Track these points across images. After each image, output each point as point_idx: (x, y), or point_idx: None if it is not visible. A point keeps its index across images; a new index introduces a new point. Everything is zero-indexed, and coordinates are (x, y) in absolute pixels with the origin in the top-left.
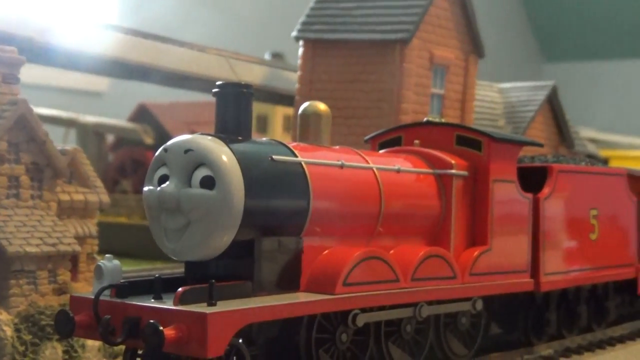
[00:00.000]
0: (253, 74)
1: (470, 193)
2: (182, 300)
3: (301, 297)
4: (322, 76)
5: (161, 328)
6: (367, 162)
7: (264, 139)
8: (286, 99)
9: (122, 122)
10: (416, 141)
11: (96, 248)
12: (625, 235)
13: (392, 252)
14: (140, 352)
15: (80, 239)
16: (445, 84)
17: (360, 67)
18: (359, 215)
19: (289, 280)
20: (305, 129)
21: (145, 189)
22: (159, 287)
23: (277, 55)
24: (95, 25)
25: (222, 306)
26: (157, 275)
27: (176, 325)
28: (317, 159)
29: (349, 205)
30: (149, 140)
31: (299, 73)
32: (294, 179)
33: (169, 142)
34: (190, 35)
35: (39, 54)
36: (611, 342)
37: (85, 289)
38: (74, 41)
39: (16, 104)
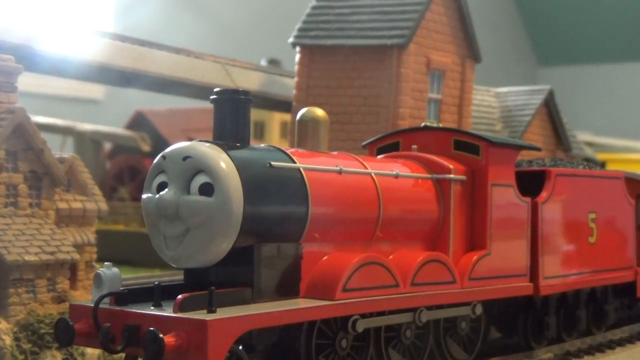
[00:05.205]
0: (250, 81)
1: (469, 197)
2: (181, 307)
3: (301, 303)
4: (319, 82)
5: (161, 335)
6: (365, 167)
7: (262, 145)
8: (283, 105)
9: (119, 129)
10: (414, 146)
11: (95, 256)
12: (623, 238)
13: (391, 257)
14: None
15: (79, 247)
16: (442, 88)
17: (357, 72)
18: (357, 221)
19: (288, 287)
20: (303, 135)
21: (144, 196)
22: (158, 294)
23: (273, 62)
24: (84, 31)
25: (222, 313)
26: (156, 283)
27: (176, 332)
28: (316, 165)
29: (348, 211)
30: (146, 147)
31: (295, 79)
32: (292, 185)
33: (167, 150)
34: (182, 42)
35: (26, 61)
36: (611, 345)
37: (84, 297)
38: (65, 48)
39: (14, 112)
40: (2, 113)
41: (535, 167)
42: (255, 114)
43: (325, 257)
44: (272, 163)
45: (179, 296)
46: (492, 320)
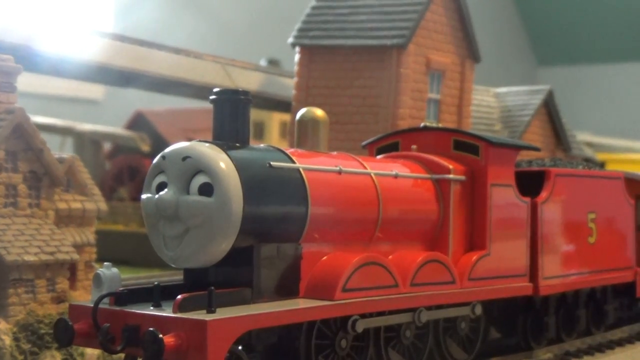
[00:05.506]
0: (249, 81)
1: (468, 198)
2: (181, 307)
3: (300, 303)
4: (318, 82)
5: (161, 336)
6: (364, 167)
7: (262, 145)
8: (283, 105)
9: (118, 129)
10: (413, 146)
11: (94, 256)
12: (623, 238)
13: (390, 257)
14: None
15: (79, 247)
16: (442, 88)
17: (356, 72)
18: (357, 221)
19: (288, 287)
20: (303, 135)
21: (144, 196)
22: (158, 294)
23: (273, 62)
24: (84, 31)
25: (222, 313)
26: (156, 283)
27: (176, 332)
28: (315, 165)
29: (348, 211)
30: (145, 147)
31: (295, 79)
32: (292, 185)
33: (167, 150)
34: (182, 42)
35: (25, 61)
36: (610, 345)
37: (83, 297)
38: (66, 48)
39: (13, 112)
40: (2, 113)
41: (534, 167)
42: (254, 114)
43: (324, 257)
44: (271, 163)
45: (179, 296)
46: (492, 320)
